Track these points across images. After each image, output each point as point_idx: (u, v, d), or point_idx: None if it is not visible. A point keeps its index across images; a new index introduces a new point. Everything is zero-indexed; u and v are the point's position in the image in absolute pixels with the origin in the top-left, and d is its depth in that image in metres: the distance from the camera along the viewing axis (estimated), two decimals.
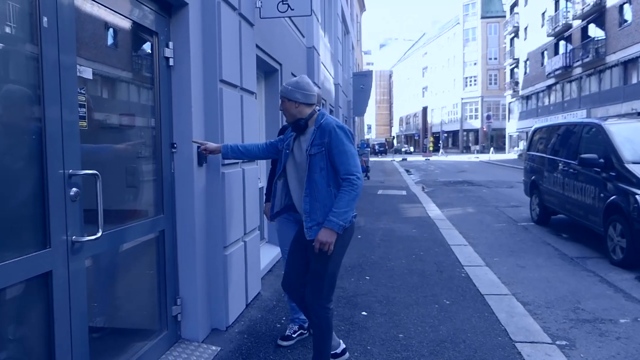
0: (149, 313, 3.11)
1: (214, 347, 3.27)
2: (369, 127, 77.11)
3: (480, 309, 4.19)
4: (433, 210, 10.23)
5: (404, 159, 42.35)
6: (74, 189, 2.19)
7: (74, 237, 2.18)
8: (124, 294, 2.92)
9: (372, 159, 41.17)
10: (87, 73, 2.37)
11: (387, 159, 45.42)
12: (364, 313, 4.07)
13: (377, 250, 6.49)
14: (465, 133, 63.27)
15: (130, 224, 2.75)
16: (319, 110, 2.87)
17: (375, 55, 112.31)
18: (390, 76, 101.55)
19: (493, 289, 4.76)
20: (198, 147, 3.31)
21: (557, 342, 3.65)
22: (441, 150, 52.76)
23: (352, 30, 20.77)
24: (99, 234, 2.24)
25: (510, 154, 44.09)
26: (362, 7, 34.50)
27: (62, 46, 2.13)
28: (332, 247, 2.61)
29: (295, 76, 3.51)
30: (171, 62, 3.21)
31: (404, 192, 13.99)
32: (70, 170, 2.18)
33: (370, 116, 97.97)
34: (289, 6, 4.61)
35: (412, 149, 56.37)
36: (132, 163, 2.99)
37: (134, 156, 2.99)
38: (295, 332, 3.42)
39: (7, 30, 1.91)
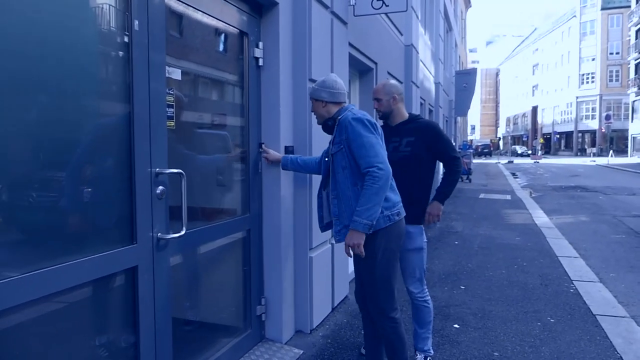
0: (233, 311, 3.15)
1: (296, 350, 3.23)
2: (473, 128, 73.89)
3: (591, 331, 3.73)
4: (540, 217, 9.46)
5: (510, 162, 39.97)
6: (161, 187, 2.25)
7: (159, 234, 2.24)
8: (210, 291, 2.97)
9: (476, 161, 39.41)
10: (175, 74, 2.43)
11: (492, 161, 43.18)
12: (456, 326, 3.81)
13: (474, 258, 6.11)
14: (580, 134, 58.21)
15: (216, 222, 2.79)
16: (344, 107, 2.71)
17: (481, 53, 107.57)
18: (497, 74, 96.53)
19: (608, 309, 4.23)
20: (286, 147, 3.31)
21: None
22: (539, 152, 48.36)
23: (456, 27, 19.97)
24: (183, 232, 2.28)
25: (634, 158, 39.74)
26: (468, 4, 33.11)
27: (151, 48, 2.19)
28: (362, 249, 2.39)
29: (392, 75, 3.40)
30: (260, 62, 3.23)
31: (508, 197, 13.15)
32: (157, 169, 2.24)
33: (474, 116, 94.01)
34: (383, 3, 4.47)
35: (529, 151, 52.37)
36: (222, 163, 3.05)
37: (224, 157, 3.04)
38: None
39: (102, 31, 2.00)
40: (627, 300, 4.70)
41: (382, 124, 3.11)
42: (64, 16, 1.80)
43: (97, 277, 1.95)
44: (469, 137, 53.76)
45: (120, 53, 2.09)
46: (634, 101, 44.12)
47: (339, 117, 2.58)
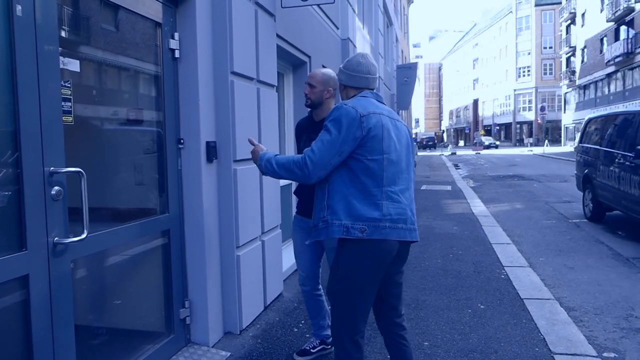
0: (154, 316, 3.00)
1: (223, 352, 3.12)
2: (417, 121, 75.55)
3: (518, 314, 3.83)
4: (478, 207, 9.75)
5: (453, 153, 41.21)
6: (56, 188, 2.08)
7: (56, 239, 2.07)
8: (127, 297, 2.80)
9: (421, 153, 40.34)
10: (72, 65, 2.25)
11: (436, 153, 44.35)
12: None
13: (412, 248, 6.15)
14: (518, 125, 60.87)
15: (128, 224, 2.63)
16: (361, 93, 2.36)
17: (424, 48, 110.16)
18: (440, 69, 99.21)
19: (534, 292, 4.37)
20: (208, 142, 3.17)
21: (604, 354, 3.27)
22: (449, 145, 49.82)
23: (397, 22, 20.27)
24: (84, 235, 2.12)
25: (567, 147, 41.92)
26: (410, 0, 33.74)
27: (39, 36, 2.01)
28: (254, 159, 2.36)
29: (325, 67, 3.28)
30: (177, 54, 3.07)
31: (448, 188, 13.49)
32: (52, 168, 2.06)
33: (419, 110, 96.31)
34: None
35: (496, 142, 53.34)
36: (136, 159, 2.88)
37: (138, 152, 2.88)
38: (315, 347, 3.15)
39: None
40: (554, 283, 4.89)
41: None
42: None
43: None
44: (414, 130, 54.96)
45: (2, 41, 1.89)
46: (565, 93, 46.53)
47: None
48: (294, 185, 3.77)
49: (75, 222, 2.16)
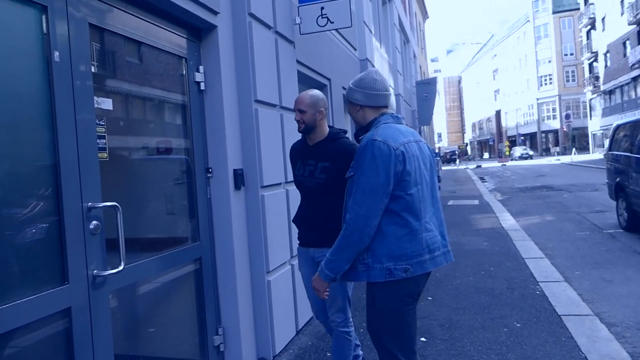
0: (189, 344, 3.03)
1: None
2: (440, 136, 75.09)
3: (556, 332, 3.74)
4: (507, 220, 9.59)
5: (478, 166, 40.69)
6: (94, 222, 2.15)
7: (95, 272, 2.14)
8: (162, 325, 2.85)
9: (445, 167, 39.96)
10: (106, 104, 2.35)
11: (460, 166, 43.90)
12: (422, 339, 3.76)
13: (442, 267, 6.09)
14: (543, 135, 59.84)
15: (161, 254, 2.69)
16: (382, 115, 2.25)
17: (442, 62, 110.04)
18: (460, 82, 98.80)
19: (572, 308, 4.26)
20: (235, 170, 3.23)
21: None
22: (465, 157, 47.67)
23: (413, 39, 20.37)
24: (121, 267, 2.18)
25: (595, 154, 40.97)
26: (425, 15, 33.90)
27: (75, 80, 2.11)
28: (325, 295, 2.21)
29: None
30: (202, 87, 3.17)
31: (476, 202, 13.31)
32: (89, 203, 2.14)
33: (440, 124, 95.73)
34: (328, 19, 4.47)
35: (530, 152, 51.98)
36: (167, 190, 2.96)
37: (168, 182, 2.96)
38: None
39: (15, 65, 1.91)
40: (592, 297, 4.75)
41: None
42: None
43: (24, 324, 1.83)
44: (436, 145, 54.56)
45: (42, 85, 1.99)
46: (590, 99, 45.67)
47: (363, 136, 2.18)
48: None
49: (111, 253, 2.23)
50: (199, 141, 3.14)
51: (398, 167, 2.02)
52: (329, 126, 2.79)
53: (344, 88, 6.48)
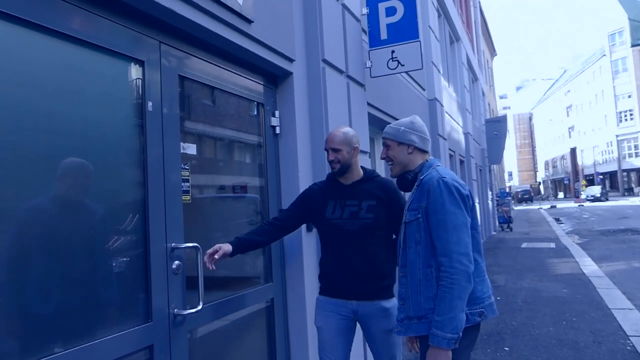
0: None
1: None
2: (510, 174, 72.40)
3: None
4: (588, 266, 8.97)
5: (553, 206, 38.63)
6: (177, 262, 2.25)
7: (175, 310, 2.22)
8: None
9: (517, 207, 38.29)
10: (190, 149, 2.49)
11: (534, 207, 41.87)
12: None
13: (519, 314, 5.78)
14: (625, 173, 56.11)
15: (236, 293, 2.75)
16: (429, 160, 2.26)
17: (512, 99, 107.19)
18: (530, 119, 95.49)
19: None
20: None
21: None
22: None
23: (482, 77, 20.08)
24: (200, 307, 2.25)
25: None
26: (493, 52, 33.44)
27: (165, 127, 2.26)
28: None
29: None
30: (277, 131, 3.29)
31: (552, 245, 12.59)
32: (173, 244, 2.25)
33: (511, 163, 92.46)
34: (399, 62, 4.54)
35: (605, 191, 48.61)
36: (242, 229, 3.04)
37: (244, 222, 3.05)
38: None
39: (115, 113, 2.08)
40: None
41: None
42: (81, 99, 1.89)
43: None
44: (507, 184, 52.56)
45: (135, 133, 2.16)
46: None
47: (423, 176, 2.12)
48: (314, 248, 3.27)
49: (189, 291, 2.31)
50: (274, 183, 3.23)
51: (469, 203, 2.06)
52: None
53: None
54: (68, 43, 1.87)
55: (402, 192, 2.52)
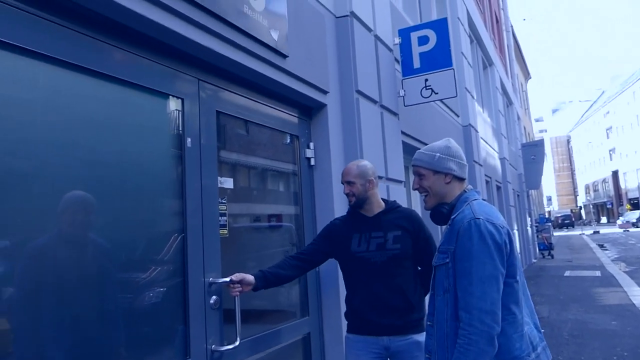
0: None
1: None
2: (549, 199, 70.34)
3: None
4: (638, 296, 8.51)
5: (596, 232, 37.16)
6: (214, 297, 2.25)
7: (213, 346, 2.20)
8: None
9: (557, 233, 37.06)
10: (227, 183, 2.52)
11: (575, 232, 40.42)
12: None
13: (565, 349, 5.50)
14: None
15: (272, 328, 2.72)
16: (467, 191, 1.98)
17: (548, 122, 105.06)
18: (568, 142, 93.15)
19: None
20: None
21: None
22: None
23: (516, 100, 19.81)
24: (237, 343, 2.23)
25: None
26: (527, 75, 33.01)
27: (203, 162, 2.30)
28: None
29: None
30: (312, 162, 3.29)
31: (597, 273, 12.04)
32: (211, 279, 2.25)
33: (549, 187, 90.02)
34: (432, 91, 4.51)
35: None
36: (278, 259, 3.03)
37: (279, 255, 3.03)
38: None
39: (155, 149, 2.13)
40: None
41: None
42: (123, 134, 1.94)
43: None
44: (546, 209, 51.04)
45: (175, 168, 2.20)
46: None
47: (456, 214, 1.87)
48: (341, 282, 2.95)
49: (226, 325, 2.29)
50: (309, 214, 3.23)
51: (507, 249, 1.76)
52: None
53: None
54: (112, 83, 1.93)
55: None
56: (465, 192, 1.96)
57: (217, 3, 2.26)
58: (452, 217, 1.88)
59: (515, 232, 13.07)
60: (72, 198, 1.72)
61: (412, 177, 5.78)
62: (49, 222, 1.67)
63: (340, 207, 3.31)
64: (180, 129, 2.23)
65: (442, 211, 1.94)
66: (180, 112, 2.24)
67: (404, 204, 4.27)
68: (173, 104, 2.23)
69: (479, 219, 1.77)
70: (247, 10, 2.49)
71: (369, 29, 4.03)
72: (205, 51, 2.30)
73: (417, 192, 2.08)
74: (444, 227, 2.00)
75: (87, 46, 1.83)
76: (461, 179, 1.98)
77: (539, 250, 17.87)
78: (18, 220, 1.57)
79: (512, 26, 21.04)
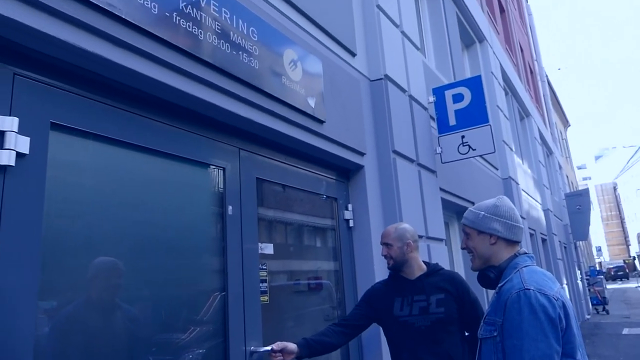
0: None
1: None
2: (599, 250, 67.06)
3: None
4: None
5: None
6: None
7: None
8: None
9: (610, 286, 35.02)
10: (268, 249, 2.54)
11: (630, 285, 38.08)
12: None
13: None
14: None
15: None
16: (518, 256, 1.83)
17: (591, 169, 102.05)
18: (615, 189, 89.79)
19: None
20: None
21: None
22: None
23: (557, 149, 19.43)
24: None
25: None
26: (566, 123, 32.50)
27: (244, 229, 2.34)
28: None
29: None
30: (351, 224, 3.29)
31: None
32: (252, 347, 2.23)
33: (598, 237, 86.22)
34: (470, 147, 4.50)
35: None
36: (318, 326, 2.98)
37: (320, 320, 2.99)
38: None
39: (198, 216, 2.19)
40: None
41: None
42: (166, 202, 2.01)
43: None
44: (597, 260, 48.62)
45: (217, 234, 2.24)
46: None
47: (504, 282, 1.74)
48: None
49: None
50: (349, 277, 3.19)
51: (562, 324, 1.60)
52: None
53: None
54: (158, 157, 2.03)
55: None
56: (516, 256, 1.82)
57: (257, 77, 2.37)
58: (500, 284, 1.76)
59: (565, 286, 12.45)
60: (104, 264, 1.76)
61: (452, 234, 5.68)
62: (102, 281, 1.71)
63: (380, 269, 3.26)
64: (222, 197, 2.30)
65: (488, 275, 1.83)
66: (221, 181, 2.31)
67: (446, 262, 4.19)
68: (215, 173, 2.31)
69: (529, 289, 1.62)
70: (285, 81, 2.60)
71: (403, 90, 4.11)
72: (245, 122, 2.39)
73: (462, 251, 1.99)
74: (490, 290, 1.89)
75: (137, 125, 1.94)
76: (511, 242, 1.84)
77: (592, 305, 16.88)
78: (79, 278, 1.63)
79: (547, 76, 20.97)
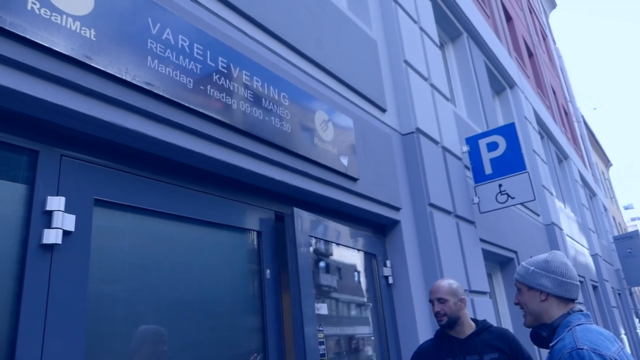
0: None
1: None
2: None
3: None
4: None
5: None
6: None
7: None
8: None
9: None
10: (323, 309, 2.50)
11: None
12: None
13: None
14: None
15: None
16: (571, 314, 1.73)
17: (639, 208, 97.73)
18: None
19: None
20: None
21: None
22: None
23: (600, 191, 18.77)
24: None
25: None
26: (607, 163, 31.54)
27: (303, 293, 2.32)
28: None
29: None
30: (390, 280, 3.23)
31: None
32: None
33: None
34: (508, 195, 4.40)
35: None
36: None
37: None
38: None
39: (237, 283, 2.18)
40: None
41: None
42: (208, 262, 2.02)
43: None
44: None
45: (256, 297, 2.23)
46: None
47: (556, 341, 1.66)
48: None
49: None
50: (392, 335, 3.09)
51: None
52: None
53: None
54: (196, 225, 2.07)
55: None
56: (569, 314, 1.71)
57: (291, 141, 2.43)
58: (552, 343, 1.66)
59: (624, 336, 11.66)
60: (149, 332, 1.77)
61: (496, 286, 5.47)
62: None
63: (423, 327, 3.15)
64: (259, 261, 2.30)
65: (540, 334, 1.74)
66: (257, 245, 2.32)
67: (492, 317, 4.01)
68: (251, 238, 2.32)
69: (582, 349, 1.52)
70: (317, 142, 2.64)
71: (436, 142, 4.10)
72: (279, 184, 2.43)
73: (510, 304, 1.91)
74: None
75: (175, 195, 2.00)
76: (563, 299, 1.74)
77: None
78: (124, 347, 1.63)
79: (582, 116, 20.61)
